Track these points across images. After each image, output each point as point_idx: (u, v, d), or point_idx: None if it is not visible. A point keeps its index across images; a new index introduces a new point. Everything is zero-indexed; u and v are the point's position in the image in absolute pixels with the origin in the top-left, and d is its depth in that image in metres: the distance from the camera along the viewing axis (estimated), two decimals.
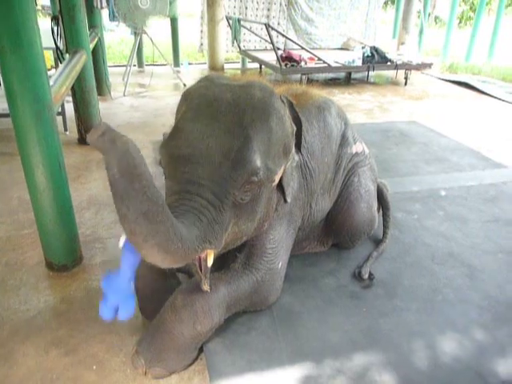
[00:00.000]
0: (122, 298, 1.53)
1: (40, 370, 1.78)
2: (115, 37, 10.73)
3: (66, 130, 4.37)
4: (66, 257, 2.35)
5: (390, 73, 7.74)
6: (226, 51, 8.18)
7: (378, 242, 2.56)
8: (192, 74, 7.36)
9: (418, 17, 9.95)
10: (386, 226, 2.62)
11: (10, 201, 3.08)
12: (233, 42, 7.39)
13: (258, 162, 1.55)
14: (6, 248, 2.55)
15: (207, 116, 1.55)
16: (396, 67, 6.98)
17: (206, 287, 1.64)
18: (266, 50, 8.06)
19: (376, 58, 6.92)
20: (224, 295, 1.75)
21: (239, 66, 8.56)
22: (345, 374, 1.74)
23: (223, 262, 1.96)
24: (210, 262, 1.58)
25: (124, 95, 5.99)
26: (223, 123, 1.53)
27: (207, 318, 1.69)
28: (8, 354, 1.84)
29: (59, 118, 3.98)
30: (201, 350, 1.82)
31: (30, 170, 2.13)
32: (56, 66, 4.55)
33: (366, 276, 2.24)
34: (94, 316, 2.04)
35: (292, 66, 6.53)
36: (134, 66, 7.31)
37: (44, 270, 2.36)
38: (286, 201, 1.89)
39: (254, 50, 8.10)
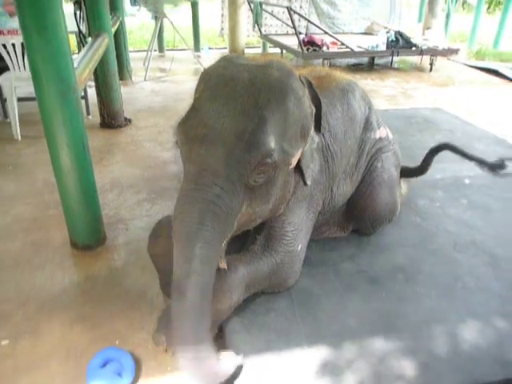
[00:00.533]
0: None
1: (65, 344, 1.84)
2: (136, 22, 10.75)
3: (88, 114, 4.44)
4: (90, 237, 2.40)
5: (415, 58, 7.58)
6: (247, 36, 8.13)
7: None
8: (212, 58, 7.31)
9: (445, 1, 9.67)
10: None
11: (36, 183, 3.15)
12: (254, 26, 7.33)
13: (273, 144, 1.54)
14: (32, 228, 2.62)
15: (224, 96, 1.55)
16: (421, 53, 6.83)
17: (222, 265, 1.65)
18: (287, 34, 7.98)
19: (400, 43, 6.78)
20: (243, 275, 1.77)
21: (260, 50, 8.49)
22: (363, 357, 1.74)
23: (243, 244, 1.98)
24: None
25: (145, 80, 6.03)
26: (239, 103, 1.53)
27: (226, 296, 1.72)
28: (34, 328, 1.91)
29: (82, 103, 4.03)
30: (220, 328, 1.85)
31: (55, 151, 2.17)
32: (79, 50, 4.59)
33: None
34: (117, 294, 2.10)
35: (314, 50, 6.46)
36: (155, 50, 7.33)
37: (69, 250, 2.42)
38: (305, 183, 1.89)
39: (276, 35, 8.02)
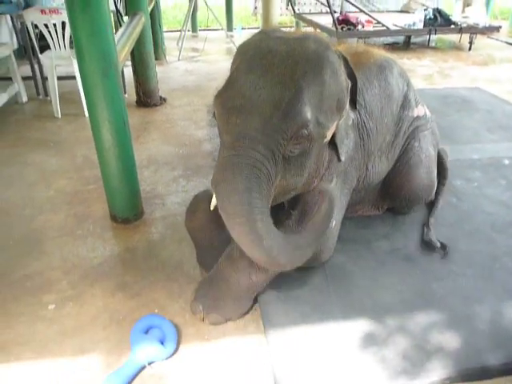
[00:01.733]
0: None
1: (107, 310, 1.92)
2: (169, 2, 10.76)
3: (125, 92, 4.51)
4: (128, 210, 2.48)
5: (454, 37, 7.30)
6: (280, 15, 8.01)
7: (431, 208, 2.51)
8: (245, 38, 7.27)
9: None
10: (438, 193, 2.55)
11: (75, 159, 3.26)
12: (287, 5, 7.23)
13: (309, 115, 1.54)
14: (74, 201, 2.72)
15: (261, 68, 1.56)
16: (460, 31, 6.57)
17: None
18: (321, 13, 7.82)
19: (439, 21, 6.54)
20: None
21: (293, 30, 8.37)
22: (398, 332, 1.76)
23: (277, 218, 2.00)
24: None
25: (178, 59, 6.07)
26: (276, 75, 1.53)
27: (262, 269, 1.75)
28: (79, 295, 2.01)
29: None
30: (256, 300, 1.90)
31: (97, 127, 2.24)
32: (116, 29, 4.66)
33: (437, 245, 2.20)
34: (155, 265, 2.17)
35: (348, 29, 6.32)
36: (189, 31, 7.34)
37: (109, 222, 2.51)
38: (339, 159, 1.89)
39: (309, 14, 7.88)
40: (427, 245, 2.24)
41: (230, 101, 1.55)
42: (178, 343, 1.74)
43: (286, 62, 1.55)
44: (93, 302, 1.96)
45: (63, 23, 3.66)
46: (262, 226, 1.48)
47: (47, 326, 1.85)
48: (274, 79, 1.53)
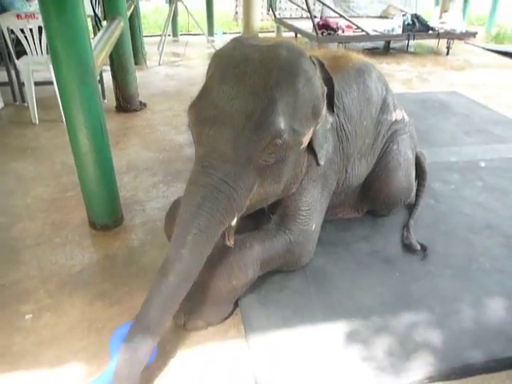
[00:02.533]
0: None
1: (86, 319, 1.89)
2: (150, 6, 10.72)
3: (104, 98, 4.47)
4: (108, 217, 2.45)
5: (432, 42, 7.44)
6: (261, 20, 8.06)
7: (411, 211, 2.54)
8: (226, 43, 7.30)
9: None
10: (418, 196, 2.59)
11: (54, 165, 3.21)
12: (268, 10, 7.27)
13: (282, 125, 1.55)
14: (51, 209, 2.68)
15: (234, 77, 1.56)
16: (438, 36, 6.71)
17: (229, 242, 1.67)
18: (301, 18, 7.89)
19: (417, 27, 6.66)
20: (258, 253, 1.81)
21: (274, 35, 8.42)
22: (376, 334, 1.77)
23: (258, 222, 2.01)
24: (233, 222, 1.63)
25: (159, 64, 6.04)
26: (249, 84, 1.54)
27: (242, 273, 1.76)
28: (57, 304, 1.97)
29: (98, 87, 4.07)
30: (236, 305, 1.89)
31: (74, 132, 2.21)
32: (94, 34, 4.62)
33: (418, 247, 2.22)
34: (135, 272, 2.15)
35: (329, 34, 6.38)
36: (169, 35, 7.32)
37: (87, 229, 2.47)
38: (318, 164, 1.90)
39: (290, 18, 7.95)
40: (407, 247, 2.26)
41: (203, 111, 1.56)
42: (158, 350, 1.72)
43: (259, 72, 1.56)
44: (71, 312, 1.93)
45: (40, 28, 3.61)
46: (191, 239, 1.48)
47: (24, 337, 1.80)
48: (247, 89, 1.53)
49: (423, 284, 2.04)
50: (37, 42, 3.73)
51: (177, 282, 1.49)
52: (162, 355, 1.71)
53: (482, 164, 3.21)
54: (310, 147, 1.84)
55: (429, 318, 1.85)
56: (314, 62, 1.76)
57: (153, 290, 1.51)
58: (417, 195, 2.59)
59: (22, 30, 3.67)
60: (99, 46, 2.78)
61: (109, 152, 2.37)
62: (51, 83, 3.75)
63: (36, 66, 3.84)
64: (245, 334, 1.78)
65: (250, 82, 1.55)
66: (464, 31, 6.94)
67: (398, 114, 2.40)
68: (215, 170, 1.52)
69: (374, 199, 2.41)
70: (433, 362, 1.66)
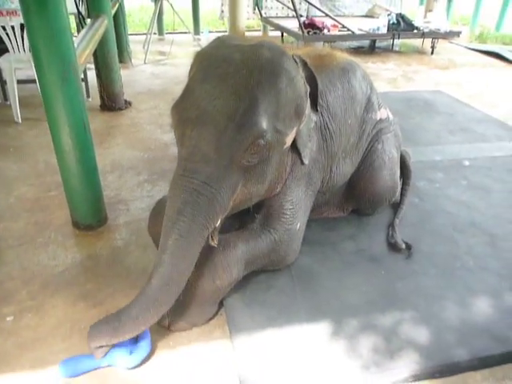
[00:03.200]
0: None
1: (68, 320, 1.86)
2: (135, 4, 10.62)
3: (88, 96, 4.42)
4: (91, 216, 2.42)
5: (416, 41, 7.51)
6: (248, 18, 8.03)
7: (396, 209, 2.55)
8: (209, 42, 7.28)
9: None
10: (403, 194, 2.61)
11: (37, 164, 3.16)
12: (254, 9, 7.25)
13: (264, 125, 1.55)
14: (34, 209, 2.63)
15: (216, 77, 1.56)
16: (422, 35, 6.76)
17: (213, 242, 1.67)
18: (288, 17, 7.88)
19: (402, 26, 6.71)
20: (242, 252, 1.80)
21: (260, 34, 8.41)
22: (362, 333, 1.77)
23: (243, 222, 2.00)
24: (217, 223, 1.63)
25: (144, 63, 5.99)
26: (231, 85, 1.53)
27: (226, 273, 1.74)
28: (39, 305, 1.93)
29: (82, 85, 4.02)
30: (221, 305, 1.88)
31: (56, 131, 2.18)
32: (78, 32, 4.56)
33: (403, 246, 2.23)
34: (118, 272, 2.12)
35: (315, 33, 6.40)
36: (155, 34, 7.26)
37: (71, 229, 2.44)
38: (302, 163, 1.90)
39: (276, 17, 7.93)
40: (393, 246, 2.27)
41: (185, 112, 1.55)
42: (149, 355, 1.70)
43: (241, 72, 1.55)
44: (53, 313, 1.90)
45: (22, 25, 3.55)
46: (171, 243, 1.50)
47: (5, 338, 1.77)
48: (229, 89, 1.53)
49: (408, 282, 2.05)
50: (19, 39, 3.66)
51: (159, 285, 1.51)
52: (147, 357, 1.69)
53: (466, 163, 3.24)
54: (294, 146, 1.84)
55: (414, 317, 1.86)
56: (296, 61, 1.76)
57: (138, 294, 1.55)
58: (402, 194, 2.61)
59: (4, 28, 3.60)
60: (82, 44, 2.74)
61: (92, 151, 2.34)
62: (34, 81, 3.67)
63: (18, 64, 3.77)
64: (230, 335, 1.77)
65: (232, 82, 1.54)
66: (448, 31, 7.03)
67: (382, 113, 2.41)
68: (197, 173, 1.51)
69: (359, 198, 2.42)
70: (417, 361, 1.67)
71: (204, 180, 1.51)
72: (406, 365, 1.65)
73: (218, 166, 1.52)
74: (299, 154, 1.87)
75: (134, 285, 2.03)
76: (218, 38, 1.79)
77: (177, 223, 1.50)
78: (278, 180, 1.85)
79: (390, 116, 2.50)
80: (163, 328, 1.79)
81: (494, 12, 9.29)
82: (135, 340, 1.67)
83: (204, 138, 1.51)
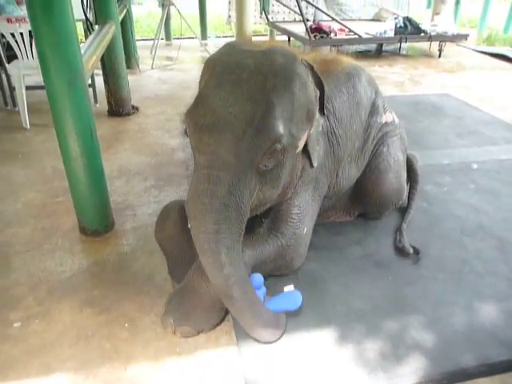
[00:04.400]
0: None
1: (75, 326, 1.86)
2: (143, 10, 10.71)
3: (96, 102, 4.45)
4: (98, 222, 2.42)
5: (424, 45, 7.47)
6: (254, 23, 8.06)
7: (404, 213, 2.53)
8: (219, 46, 7.30)
9: None
10: (411, 198, 2.59)
11: (44, 170, 3.18)
12: (261, 14, 7.27)
13: (281, 129, 1.56)
14: (41, 214, 2.65)
15: (230, 83, 1.55)
16: (430, 39, 6.74)
17: None
18: (294, 21, 7.90)
19: (409, 29, 6.69)
20: (249, 257, 1.79)
21: (267, 38, 8.42)
22: (369, 339, 1.76)
23: (250, 227, 1.99)
24: None
25: (152, 68, 6.02)
26: (246, 90, 1.53)
27: None
28: (45, 311, 1.94)
29: (89, 90, 4.04)
30: (227, 311, 1.87)
31: (63, 137, 2.19)
32: (86, 38, 4.60)
33: (410, 251, 2.21)
34: (125, 278, 2.12)
35: (321, 37, 6.39)
36: (162, 39, 7.30)
37: (78, 235, 2.45)
38: (312, 165, 1.90)
39: (283, 22, 7.95)
40: (400, 251, 2.25)
41: (201, 118, 1.54)
42: (147, 356, 1.71)
43: (255, 77, 1.55)
44: (60, 319, 1.90)
45: (31, 32, 3.58)
46: (225, 258, 1.54)
47: (12, 345, 1.77)
48: (245, 95, 1.53)
49: (416, 287, 2.03)
50: (28, 46, 3.70)
51: (241, 291, 1.60)
52: (152, 363, 1.69)
53: (474, 166, 3.21)
54: (304, 151, 1.85)
55: (421, 322, 1.84)
56: (306, 66, 1.76)
57: (236, 314, 1.69)
58: (409, 198, 2.59)
59: (13, 35, 3.65)
60: (89, 50, 2.76)
61: (99, 157, 2.35)
62: (42, 87, 3.70)
63: (27, 71, 3.81)
64: (236, 341, 1.76)
65: (247, 87, 1.54)
66: (455, 33, 6.99)
67: (387, 117, 2.40)
68: (220, 183, 1.52)
69: (366, 202, 2.40)
70: (425, 366, 1.65)
71: (228, 189, 1.52)
72: (414, 371, 1.63)
73: (238, 172, 1.52)
74: (309, 158, 1.88)
75: (141, 291, 2.04)
76: (228, 43, 1.79)
77: (220, 242, 1.53)
78: (290, 184, 1.86)
79: (396, 119, 2.49)
80: (170, 334, 1.78)
81: (502, 13, 9.24)
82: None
83: (223, 145, 1.51)
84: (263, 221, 1.96)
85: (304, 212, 1.97)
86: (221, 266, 1.53)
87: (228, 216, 1.53)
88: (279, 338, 1.73)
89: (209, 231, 1.52)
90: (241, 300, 1.60)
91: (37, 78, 3.86)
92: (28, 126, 3.87)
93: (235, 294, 1.57)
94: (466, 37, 7.02)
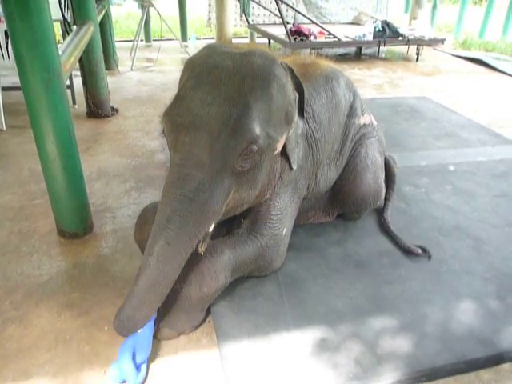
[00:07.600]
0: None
1: (53, 330, 1.83)
2: (122, 11, 10.62)
3: (74, 103, 4.39)
4: (77, 224, 2.39)
5: (402, 48, 7.61)
6: (235, 25, 8.08)
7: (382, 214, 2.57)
8: (199, 48, 7.29)
9: None
10: (387, 199, 2.63)
11: (22, 172, 3.12)
12: (241, 16, 7.29)
13: (258, 130, 1.56)
14: (18, 217, 2.59)
15: (208, 84, 1.56)
16: (408, 42, 6.85)
17: (201, 250, 1.66)
18: (275, 24, 7.94)
19: (387, 33, 6.79)
20: (229, 258, 1.79)
21: (247, 40, 8.45)
22: (350, 339, 1.77)
23: (229, 228, 2.00)
24: (210, 228, 1.63)
25: (132, 70, 5.97)
26: (224, 91, 1.54)
27: (213, 280, 1.73)
28: (23, 316, 1.90)
29: (68, 92, 3.99)
30: (208, 312, 1.87)
31: (40, 138, 2.15)
32: (63, 39, 4.53)
33: (419, 251, 2.25)
34: (105, 281, 2.10)
35: (301, 40, 6.44)
36: (142, 40, 7.25)
37: (56, 238, 2.41)
38: (291, 168, 1.91)
39: (263, 24, 7.99)
40: (408, 252, 2.29)
41: (178, 118, 1.55)
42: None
43: (233, 78, 1.57)
44: (37, 323, 1.86)
45: (6, 32, 3.52)
46: (158, 249, 1.50)
47: None
48: (222, 95, 1.53)
49: (395, 287, 2.06)
50: (3, 46, 3.63)
51: (146, 286, 1.51)
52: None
53: (451, 168, 3.28)
54: (283, 153, 1.86)
55: (400, 321, 1.87)
56: (285, 69, 1.77)
57: (127, 296, 1.57)
58: (385, 198, 2.63)
59: None
60: (67, 50, 2.72)
61: (78, 158, 2.32)
62: (19, 88, 3.64)
63: (3, 71, 3.73)
64: (217, 342, 1.76)
65: (225, 88, 1.55)
66: (433, 38, 7.13)
67: (365, 118, 2.44)
68: (189, 179, 1.51)
69: (344, 202, 2.43)
70: (404, 365, 1.67)
71: (197, 186, 1.51)
72: (393, 369, 1.65)
73: (211, 171, 1.52)
74: (288, 160, 1.89)
75: (121, 293, 2.01)
76: (208, 45, 1.80)
77: (165, 230, 1.50)
78: (268, 186, 1.87)
79: (374, 121, 2.53)
80: None
81: (478, 19, 9.47)
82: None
83: (198, 144, 1.51)
84: (242, 222, 1.96)
85: (283, 213, 1.98)
86: (150, 252, 1.51)
87: (189, 210, 1.51)
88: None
89: (163, 216, 1.51)
90: (142, 293, 1.52)
91: (13, 79, 3.77)
92: (4, 128, 3.79)
93: (141, 283, 1.51)
94: (442, 41, 7.17)
